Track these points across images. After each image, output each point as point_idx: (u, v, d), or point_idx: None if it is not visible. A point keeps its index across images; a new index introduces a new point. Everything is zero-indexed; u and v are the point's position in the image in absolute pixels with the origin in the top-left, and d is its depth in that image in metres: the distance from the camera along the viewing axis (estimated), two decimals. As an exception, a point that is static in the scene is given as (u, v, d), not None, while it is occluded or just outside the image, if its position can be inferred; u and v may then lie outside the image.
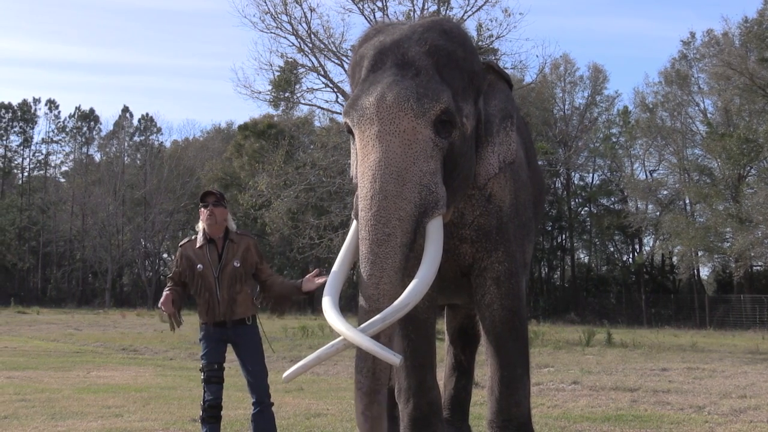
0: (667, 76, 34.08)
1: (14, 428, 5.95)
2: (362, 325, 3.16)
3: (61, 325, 22.26)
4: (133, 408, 6.98)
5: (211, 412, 4.38)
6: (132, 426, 6.07)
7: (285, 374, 3.29)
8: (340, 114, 27.07)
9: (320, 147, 21.43)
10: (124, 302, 43.88)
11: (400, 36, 3.56)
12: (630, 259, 39.66)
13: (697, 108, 34.06)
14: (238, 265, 4.44)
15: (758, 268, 34.19)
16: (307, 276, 4.43)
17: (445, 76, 3.49)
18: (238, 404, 6.74)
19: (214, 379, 4.41)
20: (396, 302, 3.16)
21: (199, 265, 4.44)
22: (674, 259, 37.01)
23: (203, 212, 4.47)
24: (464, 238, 4.01)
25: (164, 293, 4.43)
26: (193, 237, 4.60)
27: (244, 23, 31.35)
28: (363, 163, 3.36)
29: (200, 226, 4.53)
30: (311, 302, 30.40)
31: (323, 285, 4.06)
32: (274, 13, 20.83)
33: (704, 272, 38.95)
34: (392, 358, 3.06)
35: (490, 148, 3.77)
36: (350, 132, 3.54)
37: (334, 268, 3.47)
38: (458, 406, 5.21)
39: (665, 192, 35.31)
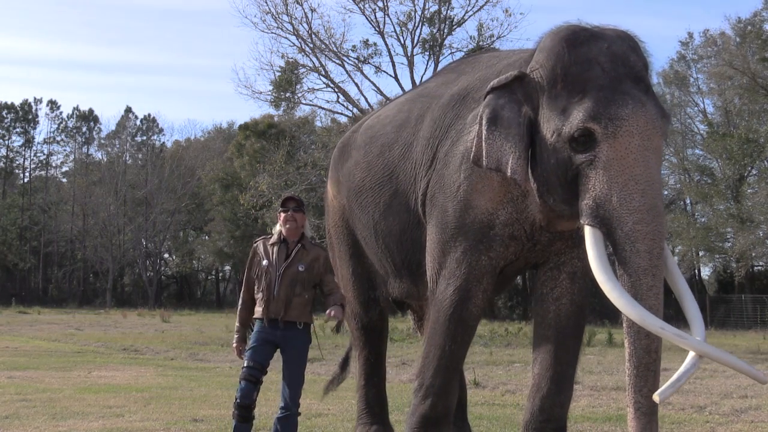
0: (665, 76, 34.07)
1: (15, 428, 5.95)
2: (705, 344, 3.32)
3: (62, 325, 22.25)
4: (134, 408, 6.98)
5: (240, 411, 4.37)
6: (133, 426, 6.07)
7: (659, 392, 3.25)
8: (341, 114, 26.71)
9: (321, 147, 21.45)
10: (125, 302, 43.89)
11: (621, 47, 3.60)
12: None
13: (696, 108, 34.07)
14: (302, 269, 4.50)
15: (759, 268, 34.15)
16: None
17: None
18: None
19: (250, 378, 4.39)
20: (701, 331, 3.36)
21: (264, 261, 4.52)
22: (675, 258, 36.96)
23: (283, 216, 4.56)
24: (563, 234, 4.00)
25: (235, 340, 4.57)
26: (268, 236, 4.71)
27: (245, 23, 31.38)
28: (622, 174, 3.37)
29: (277, 228, 4.63)
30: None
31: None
32: (274, 14, 20.89)
33: (705, 272, 38.93)
34: (761, 376, 3.20)
35: None
36: (586, 135, 3.44)
37: (614, 285, 3.35)
38: (458, 405, 5.20)
39: (666, 192, 35.26)
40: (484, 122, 3.73)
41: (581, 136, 3.44)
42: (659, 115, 3.45)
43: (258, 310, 4.51)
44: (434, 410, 4.02)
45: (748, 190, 29.01)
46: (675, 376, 3.24)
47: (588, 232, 3.47)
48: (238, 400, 4.38)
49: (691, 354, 3.26)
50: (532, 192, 3.76)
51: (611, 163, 3.39)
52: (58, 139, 52.14)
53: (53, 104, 51.93)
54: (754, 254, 28.33)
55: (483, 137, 3.71)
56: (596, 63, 3.51)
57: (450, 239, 3.97)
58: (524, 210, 3.85)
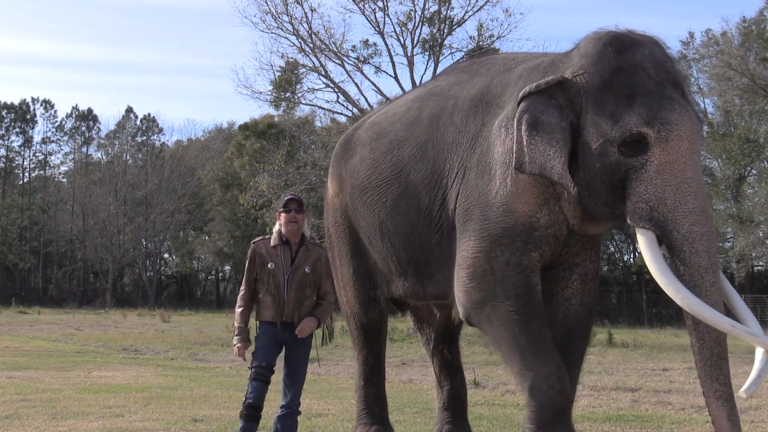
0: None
1: (15, 428, 5.95)
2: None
3: (62, 325, 22.24)
4: (134, 408, 6.98)
5: (250, 411, 4.38)
6: (133, 426, 6.07)
7: (744, 389, 3.37)
8: (341, 114, 26.72)
9: (321, 147, 21.42)
10: (125, 302, 43.93)
11: (659, 52, 3.71)
12: (631, 259, 39.65)
13: (697, 108, 34.02)
14: (309, 271, 4.52)
15: (759, 268, 34.17)
16: None
17: None
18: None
19: (260, 378, 4.40)
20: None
21: (270, 264, 4.50)
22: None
23: (284, 216, 4.55)
24: (584, 236, 4.03)
25: (236, 341, 4.48)
26: (266, 236, 4.68)
27: (245, 23, 31.33)
28: (675, 177, 3.49)
29: (276, 228, 4.62)
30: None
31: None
32: (274, 14, 20.88)
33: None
34: None
35: None
36: (638, 140, 3.50)
37: (678, 287, 3.41)
38: (459, 405, 5.17)
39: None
40: (524, 127, 3.67)
41: (633, 141, 3.52)
42: (698, 119, 3.59)
43: (266, 313, 4.50)
44: (563, 394, 3.78)
45: (748, 191, 29.03)
46: (755, 373, 3.39)
47: (641, 235, 3.55)
48: (249, 401, 4.37)
49: (761, 350, 3.41)
50: (564, 195, 3.77)
51: (664, 167, 3.49)
52: (55, 138, 52.16)
53: (47, 104, 51.88)
54: (754, 254, 28.33)
55: (524, 142, 3.66)
56: (642, 68, 3.60)
57: (494, 245, 3.86)
58: (559, 212, 3.85)
